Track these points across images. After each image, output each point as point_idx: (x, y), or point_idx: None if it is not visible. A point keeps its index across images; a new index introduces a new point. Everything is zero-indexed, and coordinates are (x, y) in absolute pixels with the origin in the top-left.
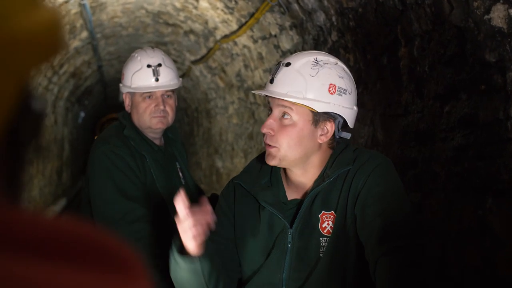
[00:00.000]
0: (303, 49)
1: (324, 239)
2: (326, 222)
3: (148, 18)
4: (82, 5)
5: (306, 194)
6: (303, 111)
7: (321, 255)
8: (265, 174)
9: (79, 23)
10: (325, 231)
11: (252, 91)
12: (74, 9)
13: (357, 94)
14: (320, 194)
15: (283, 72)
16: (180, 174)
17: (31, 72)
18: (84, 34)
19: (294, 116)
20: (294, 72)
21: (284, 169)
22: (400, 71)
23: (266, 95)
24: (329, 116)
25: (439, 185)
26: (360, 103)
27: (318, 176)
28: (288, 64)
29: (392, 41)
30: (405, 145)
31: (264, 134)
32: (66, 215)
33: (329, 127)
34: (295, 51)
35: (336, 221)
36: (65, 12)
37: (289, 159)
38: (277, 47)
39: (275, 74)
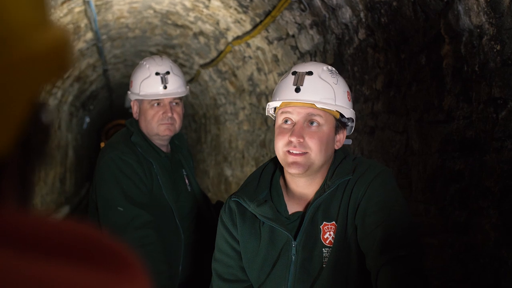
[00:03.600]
0: (325, 50)
1: (327, 250)
2: (328, 233)
3: (156, 19)
4: (86, 3)
5: (308, 206)
6: (330, 118)
7: (324, 265)
8: (263, 189)
9: (83, 22)
10: (327, 242)
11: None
12: (78, 7)
13: (388, 98)
14: (322, 205)
15: (309, 81)
16: (186, 181)
17: (41, 87)
18: (89, 35)
19: (322, 122)
20: (321, 80)
21: (285, 181)
22: (442, 71)
23: (285, 106)
24: (343, 123)
25: (492, 202)
26: (391, 107)
27: (320, 187)
28: (310, 73)
29: (433, 38)
30: (447, 155)
31: (286, 144)
32: (71, 219)
33: (342, 134)
34: (315, 53)
35: (337, 232)
36: (67, 10)
37: (315, 165)
38: (294, 48)
39: (300, 83)
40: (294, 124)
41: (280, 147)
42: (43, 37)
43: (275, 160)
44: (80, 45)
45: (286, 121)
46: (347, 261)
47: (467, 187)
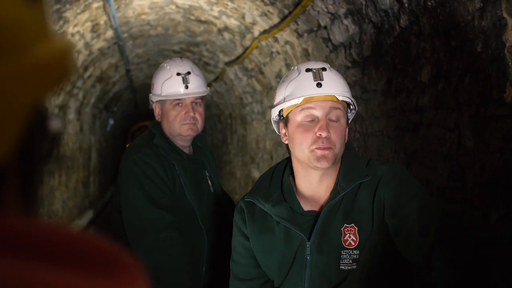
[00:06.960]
0: (361, 41)
1: (346, 252)
2: (348, 235)
3: (179, 15)
4: None
5: (322, 206)
6: (344, 111)
7: (342, 267)
8: (276, 189)
9: (102, 19)
10: (347, 244)
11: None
12: (96, 2)
13: (435, 91)
14: (341, 207)
15: (327, 75)
16: (209, 182)
17: (42, 96)
18: (109, 33)
19: (341, 115)
20: (335, 74)
21: (295, 182)
22: (504, 59)
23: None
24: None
25: None
26: (439, 102)
27: (333, 188)
28: (324, 69)
29: (491, 22)
30: (510, 155)
31: (313, 142)
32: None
33: (348, 127)
34: (349, 44)
35: (358, 234)
36: (84, 6)
37: (337, 159)
38: (327, 40)
39: (320, 78)
40: (316, 120)
41: (306, 146)
42: (45, 47)
43: (283, 162)
44: (100, 44)
45: (308, 118)
46: (369, 263)
47: None
